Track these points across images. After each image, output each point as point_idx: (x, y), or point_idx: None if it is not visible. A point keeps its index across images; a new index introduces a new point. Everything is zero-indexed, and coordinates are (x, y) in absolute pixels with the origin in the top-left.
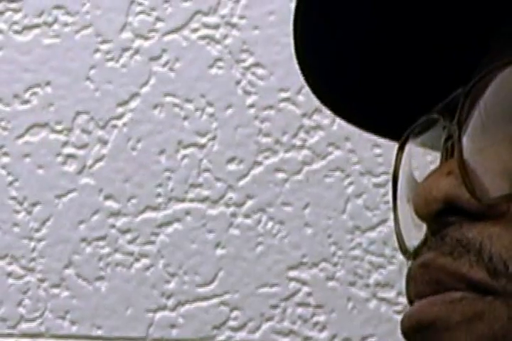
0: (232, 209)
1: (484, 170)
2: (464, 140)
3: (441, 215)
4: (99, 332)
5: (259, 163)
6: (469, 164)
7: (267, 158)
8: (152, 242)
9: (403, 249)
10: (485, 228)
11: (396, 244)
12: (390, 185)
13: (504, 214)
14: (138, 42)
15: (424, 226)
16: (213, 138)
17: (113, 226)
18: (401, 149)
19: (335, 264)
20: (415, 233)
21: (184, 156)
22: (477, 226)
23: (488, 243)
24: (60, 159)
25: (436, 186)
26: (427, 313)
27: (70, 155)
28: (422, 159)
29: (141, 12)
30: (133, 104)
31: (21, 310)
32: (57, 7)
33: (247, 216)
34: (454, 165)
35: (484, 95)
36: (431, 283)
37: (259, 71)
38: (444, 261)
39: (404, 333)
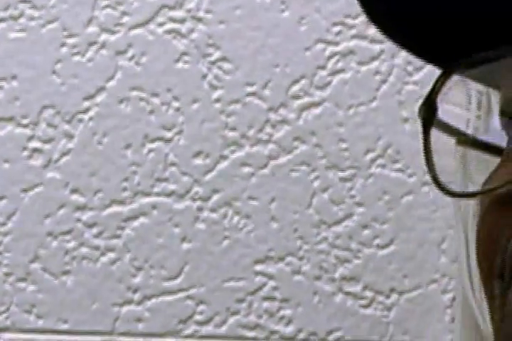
0: (198, 203)
1: None
2: None
3: None
4: (66, 326)
5: (225, 158)
6: None
7: (233, 152)
8: (118, 236)
9: (446, 189)
10: None
11: (361, 239)
12: (355, 179)
13: None
14: (104, 37)
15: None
16: (179, 133)
17: (79, 220)
18: (448, 75)
19: (301, 258)
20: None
21: (150, 150)
22: None
23: None
24: (25, 153)
25: None
26: None
27: (35, 149)
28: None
29: (107, 6)
30: (99, 98)
31: None
32: (24, 1)
33: (213, 210)
34: None
35: None
36: None
37: (226, 65)
38: None
39: None
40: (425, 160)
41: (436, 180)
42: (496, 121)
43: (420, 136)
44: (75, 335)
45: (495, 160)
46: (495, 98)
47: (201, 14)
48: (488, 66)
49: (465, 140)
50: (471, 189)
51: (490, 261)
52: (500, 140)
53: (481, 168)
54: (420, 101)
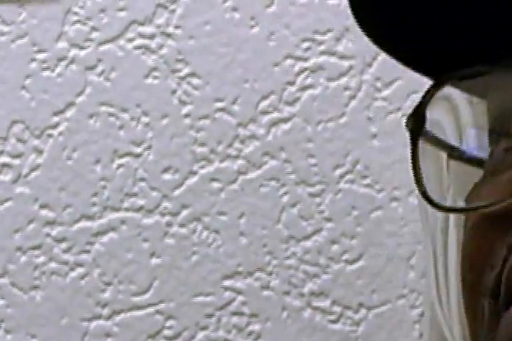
0: (167, 218)
1: None
2: None
3: None
4: None
5: (195, 173)
6: None
7: (202, 167)
8: (87, 251)
9: (432, 201)
10: None
11: (330, 254)
12: (324, 195)
13: None
14: (73, 52)
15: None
16: (149, 148)
17: (48, 235)
18: (439, 86)
19: (270, 273)
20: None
21: (119, 166)
22: None
23: None
24: None
25: None
26: None
27: (5, 165)
28: None
29: (76, 22)
30: (68, 114)
31: None
32: None
33: (182, 225)
34: None
35: None
36: None
37: (195, 81)
38: None
39: None
40: (413, 173)
41: (424, 194)
42: (476, 133)
43: (408, 147)
44: None
45: (473, 172)
46: (479, 110)
47: (171, 30)
48: (479, 79)
49: (449, 152)
50: (452, 203)
51: (477, 278)
52: (482, 153)
53: (459, 180)
54: (389, 117)
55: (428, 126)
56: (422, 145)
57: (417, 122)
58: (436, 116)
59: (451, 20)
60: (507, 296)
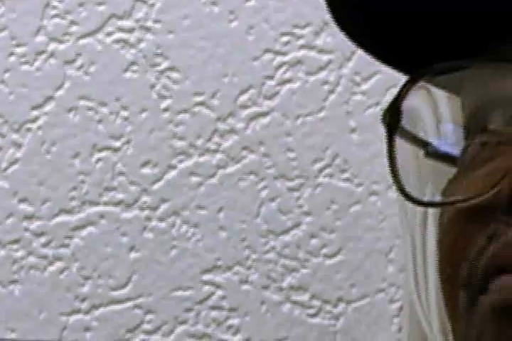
0: (146, 212)
1: None
2: None
3: None
4: (13, 335)
5: (174, 167)
6: None
7: (181, 161)
8: (66, 245)
9: (409, 196)
10: None
11: (309, 248)
12: (303, 189)
13: None
14: (52, 46)
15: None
16: (128, 142)
17: (27, 229)
18: (414, 81)
19: (249, 268)
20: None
21: (98, 160)
22: None
23: None
24: None
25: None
26: None
27: None
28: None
29: (55, 15)
30: (47, 108)
31: None
32: None
33: (161, 219)
34: None
35: None
36: None
37: (174, 75)
38: None
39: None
40: (390, 168)
41: (401, 189)
42: (452, 128)
43: (385, 142)
44: None
45: (450, 168)
46: (455, 105)
47: (150, 24)
48: (454, 75)
49: (424, 148)
50: (431, 197)
51: (455, 271)
52: (455, 149)
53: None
54: (368, 111)
55: (405, 121)
56: (399, 139)
57: (392, 117)
58: (415, 110)
59: (425, 16)
60: (481, 285)
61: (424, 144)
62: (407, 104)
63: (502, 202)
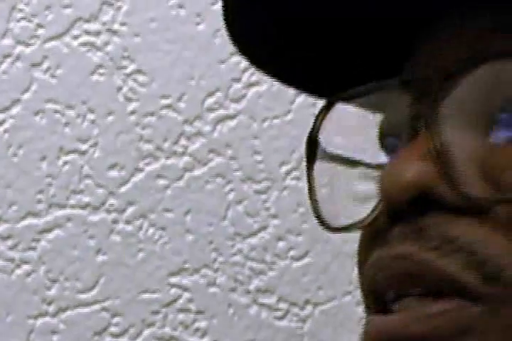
0: (113, 215)
1: (462, 161)
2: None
3: (415, 203)
4: None
5: (141, 170)
6: (447, 151)
7: (148, 164)
8: (33, 248)
9: (324, 223)
10: (472, 226)
11: (276, 251)
12: (270, 191)
13: (488, 211)
14: (19, 49)
15: (370, 202)
16: (94, 145)
17: None
18: (328, 108)
19: (216, 270)
20: (339, 203)
21: (65, 163)
22: (461, 223)
23: (481, 244)
24: None
25: (409, 170)
26: (405, 331)
27: None
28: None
29: (22, 18)
30: (14, 111)
31: None
32: None
33: (128, 222)
34: (427, 148)
35: (462, 87)
36: (410, 277)
37: (141, 78)
38: (429, 257)
39: None
40: (309, 197)
41: (318, 216)
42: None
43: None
44: None
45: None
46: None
47: (116, 27)
48: (367, 97)
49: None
50: (346, 222)
51: (360, 286)
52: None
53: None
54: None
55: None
56: (320, 165)
57: (310, 149)
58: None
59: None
60: (366, 305)
61: (349, 162)
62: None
63: (380, 224)
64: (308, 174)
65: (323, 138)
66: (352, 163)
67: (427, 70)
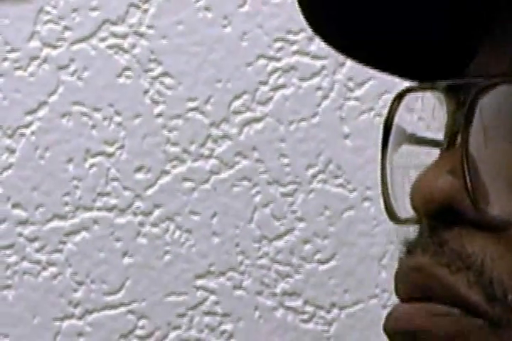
0: (139, 218)
1: (490, 176)
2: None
3: (440, 215)
4: None
5: (167, 172)
6: (473, 164)
7: (174, 167)
8: (59, 251)
9: (391, 213)
10: (487, 244)
11: (302, 254)
12: (296, 194)
13: (506, 228)
14: (46, 51)
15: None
16: (121, 147)
17: (20, 234)
18: (400, 98)
19: (242, 273)
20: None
21: (92, 165)
22: (478, 239)
23: (490, 264)
24: None
25: (436, 185)
26: (410, 322)
27: None
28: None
29: (49, 21)
30: (41, 113)
31: None
32: None
33: (154, 225)
34: (456, 161)
35: (498, 98)
36: (422, 288)
37: (167, 80)
38: (440, 272)
39: (388, 334)
40: (381, 185)
41: (386, 206)
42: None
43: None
44: None
45: None
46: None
47: (143, 29)
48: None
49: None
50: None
51: None
52: None
53: None
54: (361, 117)
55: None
56: (392, 157)
57: (385, 137)
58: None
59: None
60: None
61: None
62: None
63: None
64: (382, 162)
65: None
66: (436, 143)
67: (469, 77)
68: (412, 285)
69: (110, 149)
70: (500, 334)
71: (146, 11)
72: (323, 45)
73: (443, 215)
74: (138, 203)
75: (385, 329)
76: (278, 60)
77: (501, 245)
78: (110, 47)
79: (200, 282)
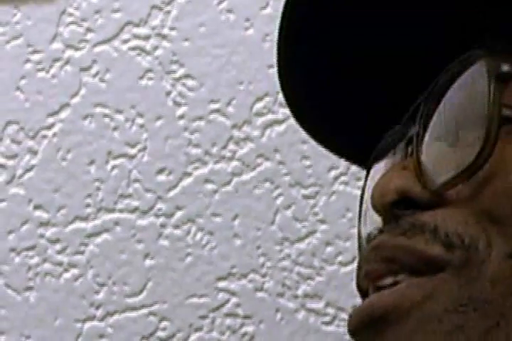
0: (161, 219)
1: (436, 165)
2: (426, 138)
3: (395, 207)
4: None
5: (189, 174)
6: (424, 161)
7: (196, 169)
8: (81, 252)
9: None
10: (437, 213)
11: (324, 256)
12: (318, 196)
13: (452, 201)
14: (68, 53)
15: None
16: (143, 149)
17: (42, 236)
18: (368, 171)
19: (263, 275)
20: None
21: (114, 167)
22: (429, 212)
23: (443, 223)
24: None
25: (391, 179)
26: (376, 306)
27: None
28: None
29: (71, 23)
30: (63, 115)
31: None
32: None
33: (176, 227)
34: (409, 162)
35: (444, 98)
36: (385, 261)
37: (190, 82)
38: (398, 240)
39: (353, 331)
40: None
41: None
42: None
43: None
44: None
45: None
46: None
47: (166, 31)
48: None
49: None
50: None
51: None
52: None
53: None
54: None
55: None
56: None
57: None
58: None
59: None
60: None
61: None
62: None
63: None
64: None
65: None
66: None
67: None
68: (375, 261)
69: (132, 151)
70: (465, 274)
71: (168, 12)
72: None
73: (398, 205)
74: (160, 205)
75: (351, 330)
76: None
77: (449, 210)
78: (132, 49)
79: (221, 284)
